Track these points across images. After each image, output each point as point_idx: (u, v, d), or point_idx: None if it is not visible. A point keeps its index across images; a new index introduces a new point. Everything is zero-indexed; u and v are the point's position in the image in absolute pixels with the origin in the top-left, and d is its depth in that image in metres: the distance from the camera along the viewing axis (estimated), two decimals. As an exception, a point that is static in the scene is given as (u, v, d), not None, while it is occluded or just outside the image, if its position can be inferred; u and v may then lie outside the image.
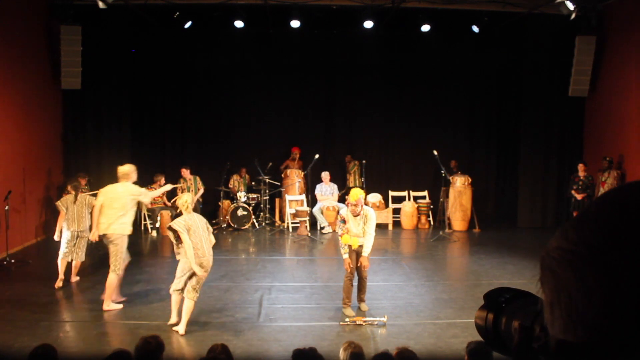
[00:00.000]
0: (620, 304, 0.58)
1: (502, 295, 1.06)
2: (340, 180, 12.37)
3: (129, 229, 6.62)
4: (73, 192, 7.57)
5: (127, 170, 6.70)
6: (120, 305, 6.60)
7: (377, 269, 8.59)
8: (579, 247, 0.63)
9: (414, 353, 3.62)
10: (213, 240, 6.04)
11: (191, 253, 5.67)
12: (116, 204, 6.52)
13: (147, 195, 6.99)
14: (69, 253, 7.46)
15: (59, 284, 7.36)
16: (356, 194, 6.28)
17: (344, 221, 6.28)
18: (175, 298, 5.96)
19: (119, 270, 6.56)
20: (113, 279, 6.52)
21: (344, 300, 6.45)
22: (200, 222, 5.84)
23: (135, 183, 6.91)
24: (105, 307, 6.48)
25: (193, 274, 5.82)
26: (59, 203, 7.60)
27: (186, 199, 5.91)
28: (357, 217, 6.29)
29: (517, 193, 12.50)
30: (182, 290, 5.87)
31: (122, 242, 6.56)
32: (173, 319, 5.97)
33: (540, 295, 0.70)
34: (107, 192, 6.66)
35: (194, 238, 5.72)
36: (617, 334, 0.59)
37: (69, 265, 7.56)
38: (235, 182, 12.34)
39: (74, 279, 7.66)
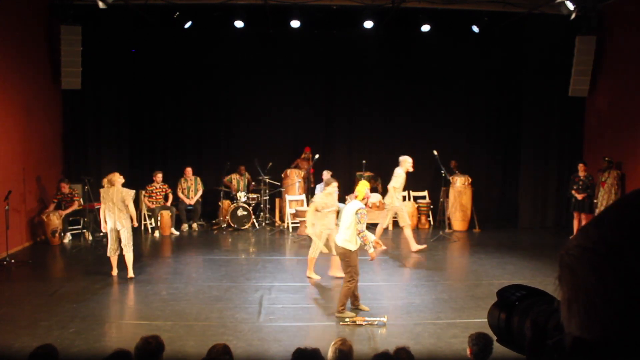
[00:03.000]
0: (639, 302, 0.59)
1: (515, 294, 1.06)
2: (340, 180, 12.33)
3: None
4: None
5: (404, 158, 9.69)
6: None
7: (377, 269, 8.59)
8: (599, 245, 0.63)
9: (410, 353, 3.62)
10: (131, 210, 7.95)
11: (102, 217, 7.86)
12: (397, 184, 9.59)
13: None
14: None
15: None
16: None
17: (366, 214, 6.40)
18: (114, 258, 7.93)
19: (408, 224, 9.73)
20: (409, 229, 9.75)
21: (345, 306, 6.31)
22: (115, 196, 7.82)
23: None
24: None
25: (118, 234, 7.84)
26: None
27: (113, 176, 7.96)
28: None
29: (517, 193, 12.49)
30: (118, 249, 7.89)
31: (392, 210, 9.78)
32: (115, 271, 7.93)
33: (556, 293, 0.70)
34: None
35: (108, 207, 7.80)
36: (634, 333, 0.59)
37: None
38: (235, 181, 12.34)
39: None
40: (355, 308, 6.45)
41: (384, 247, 9.25)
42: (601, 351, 0.61)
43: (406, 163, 9.65)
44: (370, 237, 6.40)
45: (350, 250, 6.27)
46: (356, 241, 6.32)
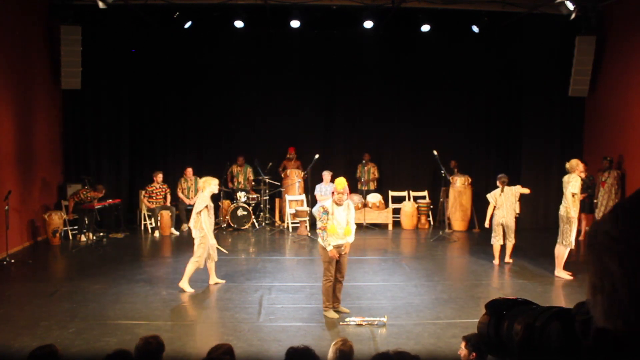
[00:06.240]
0: None
1: (503, 304, 1.10)
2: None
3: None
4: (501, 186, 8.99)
5: (569, 165, 8.21)
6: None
7: (377, 269, 8.59)
8: (628, 235, 0.61)
9: (409, 353, 3.61)
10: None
11: (208, 226, 7.21)
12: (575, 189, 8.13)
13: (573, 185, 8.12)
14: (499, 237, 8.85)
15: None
16: (343, 182, 6.36)
17: (327, 212, 6.22)
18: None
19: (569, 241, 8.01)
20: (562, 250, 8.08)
21: (325, 304, 6.34)
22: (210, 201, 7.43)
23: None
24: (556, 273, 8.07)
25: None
26: (489, 196, 9.02)
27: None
28: (341, 207, 6.30)
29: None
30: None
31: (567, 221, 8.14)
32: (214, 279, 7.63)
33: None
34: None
35: (209, 214, 7.29)
36: None
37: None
38: (235, 171, 12.26)
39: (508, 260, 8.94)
40: (335, 310, 6.36)
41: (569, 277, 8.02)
42: (623, 344, 0.60)
43: (580, 166, 8.20)
44: (332, 236, 6.21)
45: (323, 248, 6.24)
46: (323, 238, 6.19)
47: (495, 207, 8.84)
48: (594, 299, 0.65)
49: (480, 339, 1.11)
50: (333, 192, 6.30)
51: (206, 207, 7.22)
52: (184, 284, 7.29)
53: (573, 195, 8.08)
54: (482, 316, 1.11)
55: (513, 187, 8.87)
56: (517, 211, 8.91)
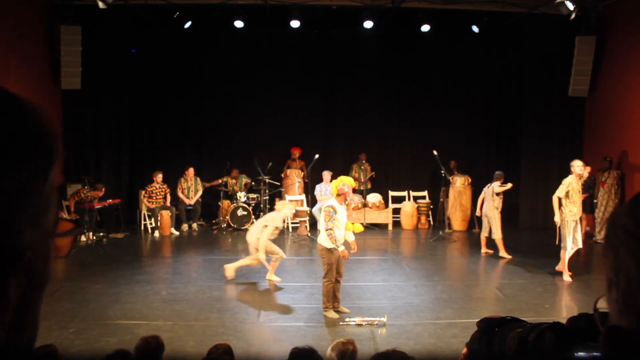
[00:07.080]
0: None
1: (495, 321, 1.12)
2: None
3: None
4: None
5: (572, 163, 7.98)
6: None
7: (377, 269, 8.59)
8: None
9: (406, 354, 3.59)
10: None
11: (264, 241, 7.55)
12: (560, 192, 7.95)
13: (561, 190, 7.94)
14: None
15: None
16: (352, 180, 6.39)
17: (336, 212, 6.18)
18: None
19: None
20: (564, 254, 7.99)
21: (326, 304, 6.33)
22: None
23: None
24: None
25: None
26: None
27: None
28: (343, 205, 6.31)
29: (517, 193, 12.49)
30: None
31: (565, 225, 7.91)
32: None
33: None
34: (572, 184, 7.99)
35: (275, 234, 7.76)
36: None
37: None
38: (231, 185, 12.29)
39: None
40: (335, 310, 6.37)
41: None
42: (634, 343, 0.59)
43: (574, 167, 7.97)
44: (339, 235, 6.19)
45: (326, 248, 6.23)
46: (335, 239, 6.15)
47: (484, 199, 9.54)
48: (609, 294, 0.64)
49: (473, 355, 1.12)
50: (347, 192, 6.27)
51: (276, 227, 7.64)
52: (272, 274, 7.84)
53: (559, 199, 7.95)
54: (474, 333, 1.12)
55: (493, 183, 9.41)
56: (496, 205, 9.28)
